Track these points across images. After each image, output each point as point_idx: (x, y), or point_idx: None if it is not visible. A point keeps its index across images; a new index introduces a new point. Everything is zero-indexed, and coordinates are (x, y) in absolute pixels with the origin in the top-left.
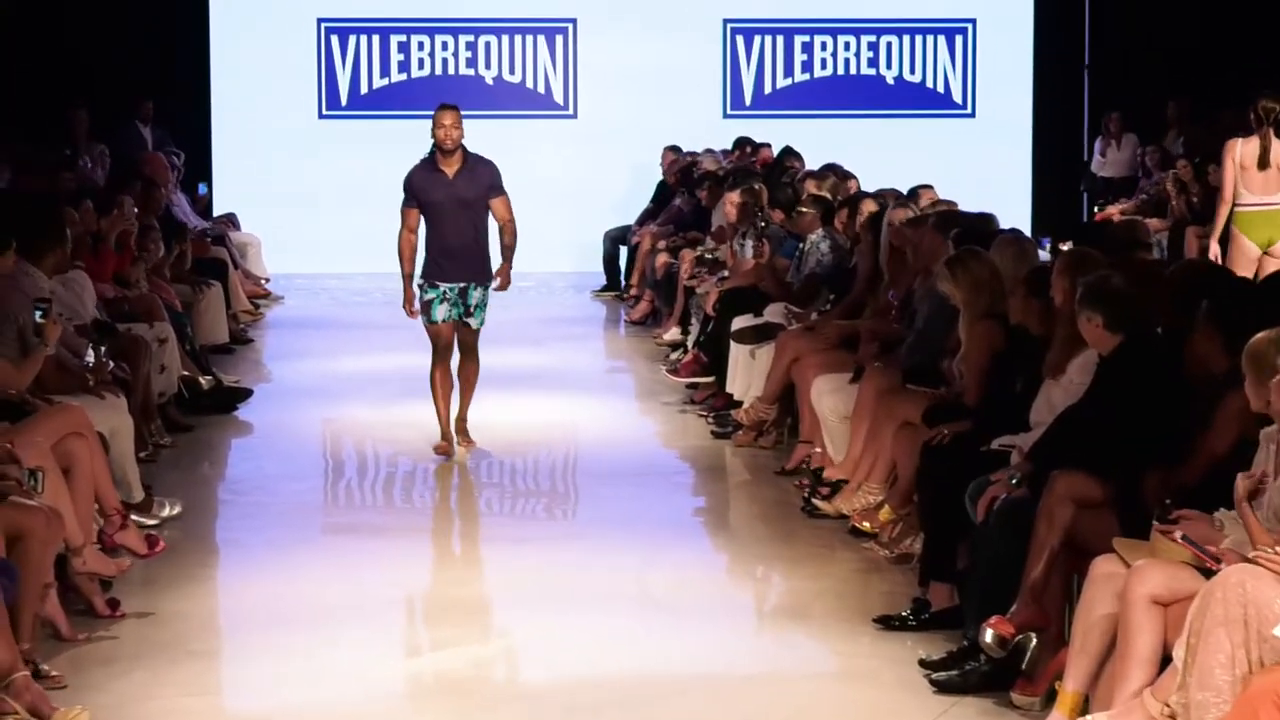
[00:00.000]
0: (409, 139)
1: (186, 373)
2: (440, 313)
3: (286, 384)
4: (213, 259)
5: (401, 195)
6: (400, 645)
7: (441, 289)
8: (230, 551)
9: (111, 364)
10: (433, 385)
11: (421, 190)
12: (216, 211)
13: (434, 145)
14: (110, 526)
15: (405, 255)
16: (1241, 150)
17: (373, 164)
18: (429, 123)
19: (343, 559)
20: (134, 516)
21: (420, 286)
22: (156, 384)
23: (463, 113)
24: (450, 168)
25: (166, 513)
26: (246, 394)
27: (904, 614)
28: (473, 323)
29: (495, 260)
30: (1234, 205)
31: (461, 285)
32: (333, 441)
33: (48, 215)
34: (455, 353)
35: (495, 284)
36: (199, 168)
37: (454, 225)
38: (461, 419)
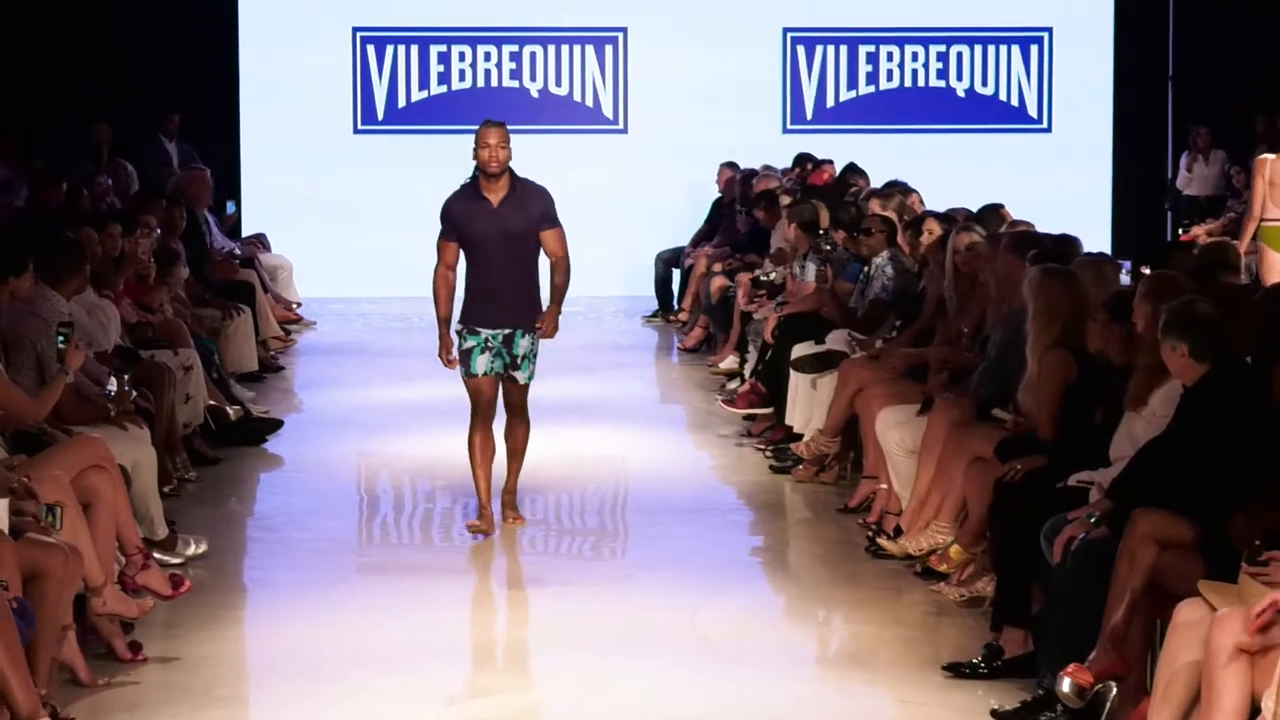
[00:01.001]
0: (449, 155)
1: (213, 402)
2: (481, 364)
3: (319, 414)
4: (241, 282)
5: (439, 223)
6: (438, 693)
7: (483, 335)
8: (258, 592)
9: (134, 393)
10: (471, 450)
11: (462, 221)
12: (245, 232)
13: (476, 168)
14: (131, 566)
15: (441, 296)
16: (1271, 167)
17: (411, 182)
18: (470, 138)
19: (378, 600)
20: (157, 555)
21: (459, 333)
22: (181, 414)
23: (507, 127)
24: (495, 194)
25: (191, 551)
26: (276, 425)
27: (975, 661)
28: (520, 377)
29: (545, 302)
30: (1261, 220)
31: (506, 332)
32: (367, 475)
33: (67, 236)
34: (500, 412)
35: (539, 330)
36: (227, 185)
37: (499, 262)
38: (510, 491)
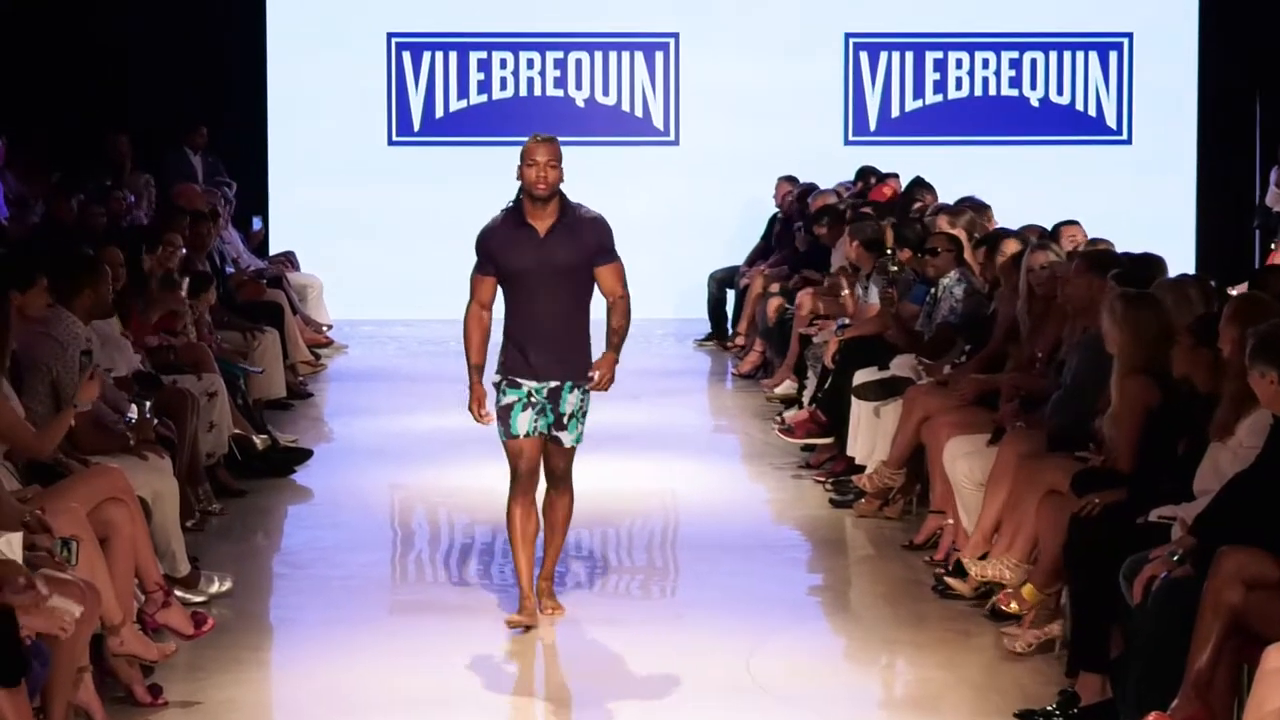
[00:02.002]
0: (489, 168)
1: (238, 431)
2: (523, 423)
3: (350, 444)
4: (268, 303)
5: (474, 255)
6: None
7: (525, 389)
8: (286, 632)
9: (155, 421)
10: (510, 526)
11: (503, 253)
12: (273, 249)
13: (520, 191)
14: (151, 604)
15: (474, 340)
16: None
17: (448, 196)
18: (512, 150)
19: (412, 642)
20: (178, 593)
21: (496, 385)
22: (205, 443)
23: (559, 143)
24: (542, 222)
25: (215, 588)
26: (305, 455)
27: (1049, 708)
28: (566, 439)
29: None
30: None
31: (553, 385)
32: (401, 509)
33: (82, 251)
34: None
35: (591, 379)
36: (253, 200)
37: (546, 302)
38: (546, 576)
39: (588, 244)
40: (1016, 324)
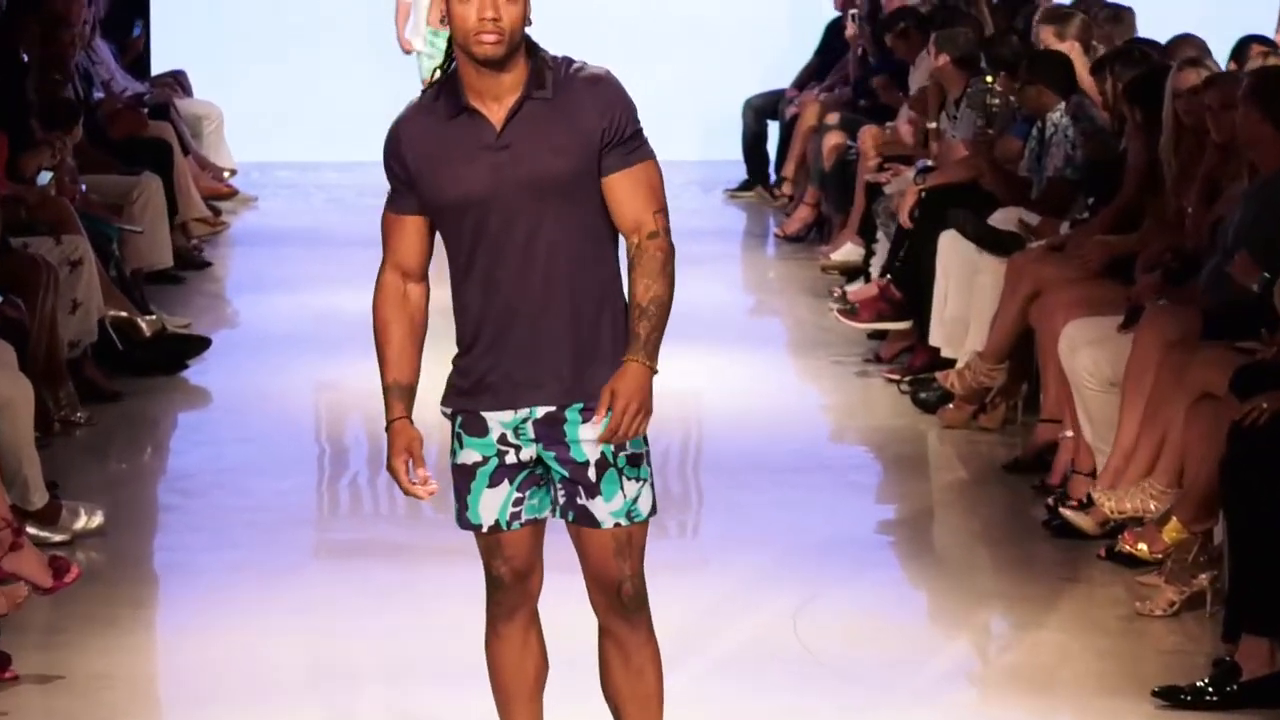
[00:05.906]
0: None
1: (115, 311)
2: (491, 505)
3: (262, 330)
4: (151, 140)
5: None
6: None
7: (494, 434)
8: (176, 583)
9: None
10: (494, 672)
11: (432, 169)
12: (157, 68)
13: (449, 51)
14: None
15: (392, 339)
16: None
17: None
18: None
19: (345, 595)
20: (31, 530)
21: (448, 420)
22: (67, 329)
23: None
24: (498, 104)
25: (81, 524)
26: (202, 345)
27: (1200, 684)
28: (603, 514)
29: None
30: None
31: (548, 411)
32: (330, 417)
33: None
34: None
35: (606, 420)
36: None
37: (520, 256)
38: None
39: (588, 132)
40: (1158, 168)
